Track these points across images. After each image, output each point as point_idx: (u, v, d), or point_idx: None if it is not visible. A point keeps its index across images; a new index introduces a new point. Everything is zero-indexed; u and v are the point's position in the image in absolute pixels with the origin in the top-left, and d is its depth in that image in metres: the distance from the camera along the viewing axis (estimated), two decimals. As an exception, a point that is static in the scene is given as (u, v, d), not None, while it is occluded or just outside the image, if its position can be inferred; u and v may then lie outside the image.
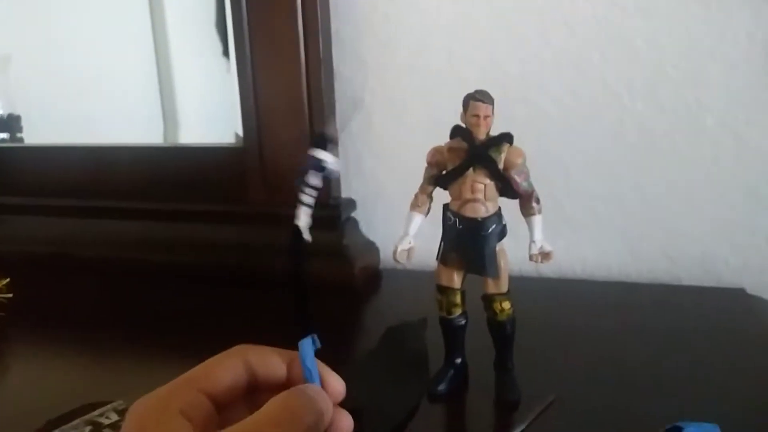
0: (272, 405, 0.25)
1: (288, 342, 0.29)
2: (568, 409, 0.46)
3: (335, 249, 0.74)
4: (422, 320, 0.58)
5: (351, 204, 0.78)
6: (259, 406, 0.25)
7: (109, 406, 0.45)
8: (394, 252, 0.47)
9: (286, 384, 0.28)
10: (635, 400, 0.47)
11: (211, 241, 0.80)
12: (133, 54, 0.93)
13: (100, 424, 0.43)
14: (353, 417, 0.41)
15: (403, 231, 0.48)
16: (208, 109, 0.92)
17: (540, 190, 0.73)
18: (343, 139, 0.80)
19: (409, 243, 0.47)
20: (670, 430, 0.39)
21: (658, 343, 0.57)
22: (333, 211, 0.75)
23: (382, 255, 0.79)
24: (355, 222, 0.78)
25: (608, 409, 0.46)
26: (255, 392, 0.28)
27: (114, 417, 0.43)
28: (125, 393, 0.46)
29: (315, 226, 0.76)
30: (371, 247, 0.78)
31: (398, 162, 0.78)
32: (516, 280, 0.73)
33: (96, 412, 0.44)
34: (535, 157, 0.72)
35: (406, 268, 0.78)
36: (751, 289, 0.68)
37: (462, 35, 0.72)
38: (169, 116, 0.94)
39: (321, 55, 0.73)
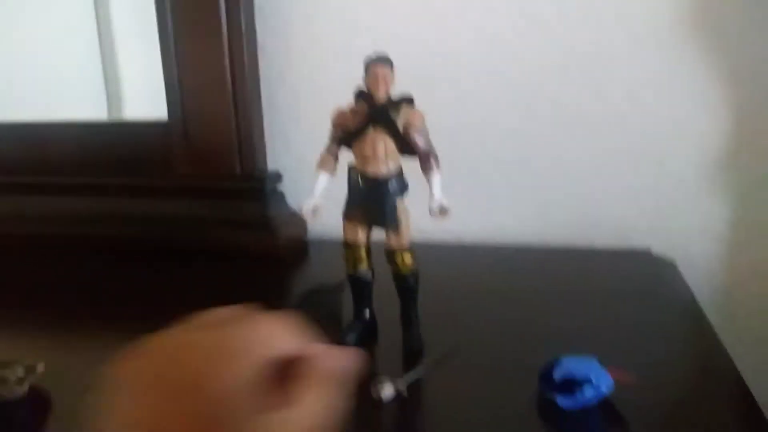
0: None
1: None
2: (468, 358, 0.49)
3: (259, 220, 0.75)
4: (339, 283, 0.60)
5: (276, 176, 0.79)
6: None
7: (18, 364, 0.45)
8: (301, 210, 0.49)
9: None
10: (535, 352, 0.50)
11: (137, 215, 0.80)
12: (75, 30, 0.91)
13: (6, 378, 0.43)
14: None
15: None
16: (153, 85, 0.91)
17: (459, 160, 0.77)
18: (270, 112, 0.80)
19: (316, 201, 0.49)
20: (551, 364, 0.42)
21: (567, 302, 0.60)
22: (257, 183, 0.76)
23: (309, 227, 0.81)
24: (280, 194, 0.79)
25: (505, 359, 0.49)
26: None
27: (21, 373, 0.44)
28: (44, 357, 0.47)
29: (239, 197, 0.78)
30: (297, 219, 0.79)
31: (324, 135, 0.79)
32: (436, 248, 0.77)
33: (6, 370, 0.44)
34: (454, 128, 0.76)
35: (333, 239, 0.81)
36: (656, 250, 0.72)
37: (385, 12, 0.74)
38: (113, 93, 0.93)
39: (243, 28, 0.73)
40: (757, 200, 0.71)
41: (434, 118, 0.74)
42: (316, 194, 0.49)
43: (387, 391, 0.43)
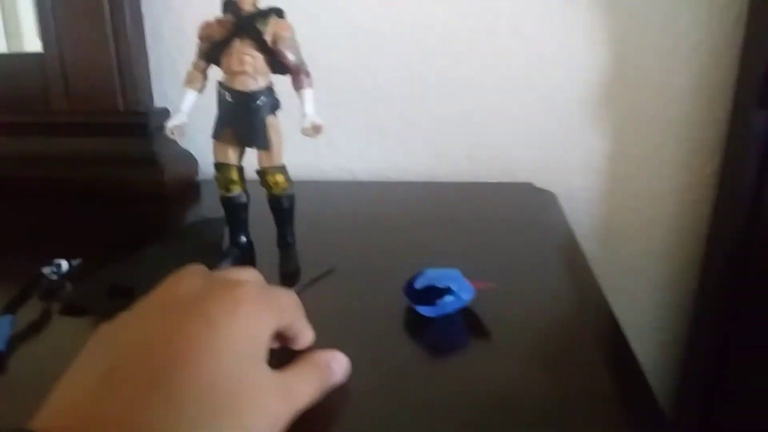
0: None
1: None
2: (345, 278, 0.49)
3: (144, 157, 0.72)
4: (221, 218, 0.58)
5: (163, 113, 0.76)
6: None
7: None
8: (165, 127, 0.47)
9: None
10: (410, 272, 0.51)
11: (14, 153, 0.75)
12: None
13: None
14: (127, 295, 0.42)
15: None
16: None
17: (351, 96, 0.76)
18: (156, 46, 0.77)
19: (182, 119, 0.47)
20: (414, 278, 0.42)
21: (448, 230, 0.61)
22: (142, 119, 0.72)
23: (201, 166, 0.78)
24: (169, 131, 0.76)
25: (380, 279, 0.49)
26: None
27: None
28: None
29: (124, 134, 0.74)
30: (186, 157, 0.77)
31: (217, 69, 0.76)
32: (330, 185, 0.77)
33: None
34: (344, 62, 0.75)
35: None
36: (538, 183, 0.75)
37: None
38: (11, 27, 0.85)
39: (120, -49, 0.69)
40: (634, 134, 0.74)
41: (330, 57, 0.74)
42: (182, 112, 0.47)
43: None
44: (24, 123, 0.76)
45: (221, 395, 0.24)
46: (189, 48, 0.75)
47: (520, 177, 0.76)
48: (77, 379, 0.25)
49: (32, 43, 0.85)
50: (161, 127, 0.75)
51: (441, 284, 0.41)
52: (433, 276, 0.42)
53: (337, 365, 0.33)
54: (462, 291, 0.42)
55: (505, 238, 0.59)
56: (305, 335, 0.35)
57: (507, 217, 0.65)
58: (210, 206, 0.73)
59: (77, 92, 0.74)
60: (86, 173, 0.73)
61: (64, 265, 0.48)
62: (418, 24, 0.72)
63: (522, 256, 0.56)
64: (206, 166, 0.77)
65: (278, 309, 0.31)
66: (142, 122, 0.73)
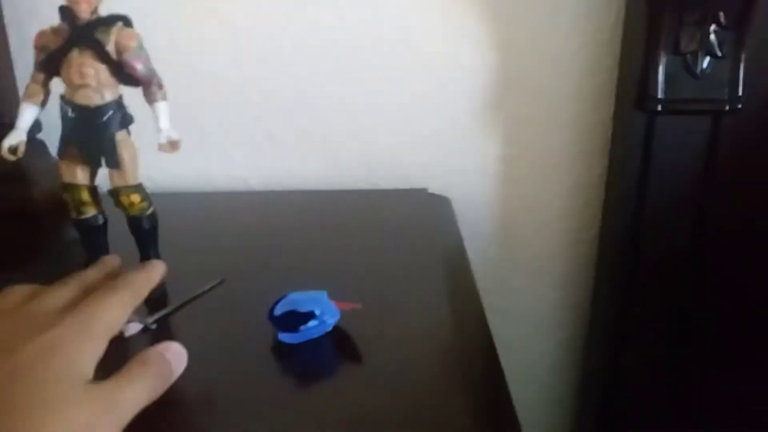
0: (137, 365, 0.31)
1: None
2: (218, 298, 0.47)
3: (12, 172, 0.66)
4: None
5: (34, 124, 0.70)
6: None
7: None
8: (1, 147, 0.43)
9: None
10: (280, 287, 0.49)
11: None
12: None
13: None
14: None
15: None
16: None
17: (238, 106, 0.73)
18: (22, 52, 0.71)
19: (20, 137, 0.43)
20: (276, 303, 0.40)
21: (334, 239, 0.60)
22: (6, 130, 0.67)
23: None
24: (41, 143, 0.71)
25: (257, 297, 0.47)
26: None
27: None
28: None
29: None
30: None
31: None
32: (223, 195, 0.74)
33: None
34: (228, 71, 0.71)
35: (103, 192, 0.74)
36: (433, 189, 0.74)
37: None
38: None
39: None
40: (525, 138, 0.74)
41: (213, 67, 0.71)
42: (20, 129, 0.43)
43: (133, 328, 0.41)
44: None
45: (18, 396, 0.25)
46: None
47: (416, 183, 0.75)
48: None
49: None
50: (31, 140, 0.70)
51: (304, 309, 0.39)
52: (295, 300, 0.40)
53: (171, 355, 0.32)
54: (326, 314, 0.40)
55: (392, 247, 0.58)
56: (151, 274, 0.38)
57: (398, 225, 0.64)
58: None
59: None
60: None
61: None
62: (303, 30, 0.70)
63: (404, 265, 0.55)
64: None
65: (105, 328, 0.31)
66: (7, 135, 0.67)
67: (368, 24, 0.70)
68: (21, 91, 0.70)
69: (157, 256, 0.47)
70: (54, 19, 0.70)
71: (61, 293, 0.33)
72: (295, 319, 0.40)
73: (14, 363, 0.26)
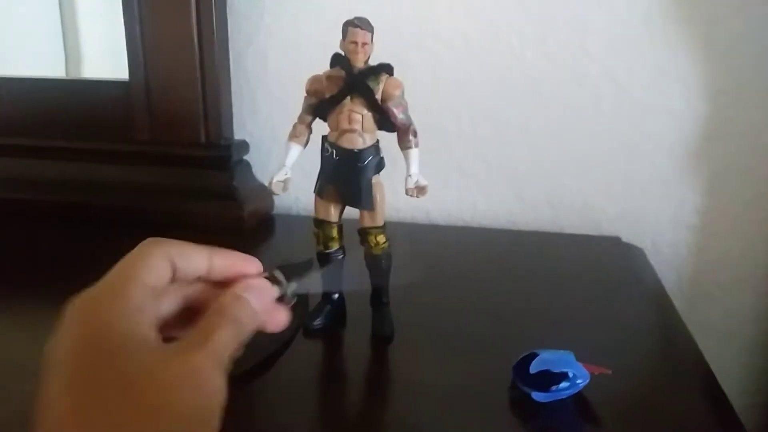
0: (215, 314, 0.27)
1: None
2: (439, 338, 0.48)
3: (224, 191, 0.72)
4: (308, 260, 0.57)
5: (243, 146, 0.76)
6: (185, 299, 0.28)
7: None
8: (270, 182, 0.46)
9: (207, 276, 0.29)
10: (506, 339, 0.49)
11: (95, 181, 0.75)
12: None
13: None
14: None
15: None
16: (113, 45, 0.85)
17: (432, 136, 0.74)
18: (237, 78, 0.76)
19: (286, 174, 0.46)
20: (526, 357, 0.41)
21: (536, 286, 0.59)
22: (223, 152, 0.72)
23: (276, 200, 0.78)
24: (247, 165, 0.76)
25: (475, 345, 0.48)
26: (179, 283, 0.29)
27: None
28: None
29: (204, 166, 0.74)
30: (263, 191, 0.76)
31: (295, 103, 0.75)
32: (407, 226, 0.75)
33: None
34: (428, 101, 0.73)
35: (301, 215, 0.78)
36: (625, 238, 0.72)
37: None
38: (72, 51, 0.87)
39: (211, -13, 0.69)
40: (727, 189, 0.70)
41: (412, 95, 0.72)
42: (286, 167, 0.46)
43: None
44: (106, 150, 0.76)
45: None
46: (270, 80, 0.76)
47: (605, 228, 0.73)
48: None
49: (93, 68, 0.87)
50: (240, 161, 0.76)
51: (557, 369, 0.39)
52: (548, 360, 0.40)
53: (249, 294, 0.28)
54: (578, 377, 0.39)
55: (598, 299, 0.57)
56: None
57: (595, 273, 0.63)
58: (285, 241, 0.73)
59: (161, 122, 0.74)
60: (165, 205, 0.73)
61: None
62: (505, 66, 0.71)
63: (619, 322, 0.53)
64: (279, 200, 0.77)
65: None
66: (223, 155, 0.72)
67: (574, 61, 0.69)
68: (234, 112, 0.76)
69: (387, 293, 0.49)
70: (268, 49, 0.75)
71: None
72: (548, 378, 0.40)
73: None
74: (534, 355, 0.40)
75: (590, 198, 0.73)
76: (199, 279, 0.29)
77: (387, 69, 0.44)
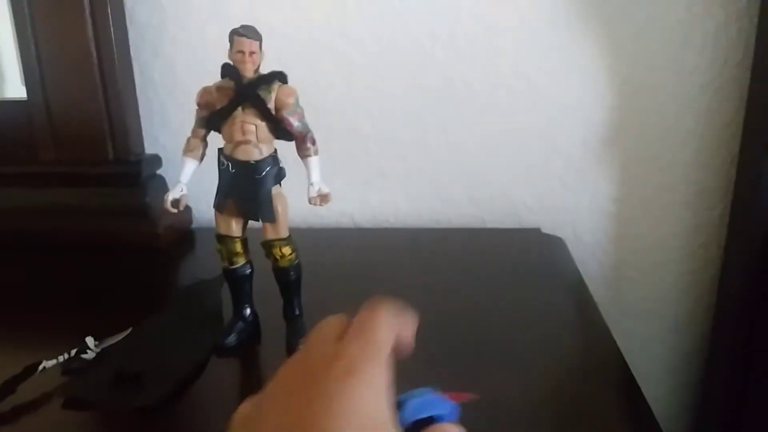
0: None
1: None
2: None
3: (136, 208, 0.69)
4: (218, 277, 0.55)
5: (155, 160, 0.73)
6: None
7: None
8: (165, 200, 0.44)
9: None
10: (422, 331, 0.48)
11: (4, 205, 0.71)
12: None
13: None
14: (135, 382, 0.39)
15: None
16: None
17: (350, 140, 0.74)
18: (145, 90, 0.74)
19: (182, 191, 0.44)
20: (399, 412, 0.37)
21: (458, 282, 0.59)
22: (133, 168, 0.70)
23: (195, 214, 0.75)
24: (160, 179, 0.73)
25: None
26: None
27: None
28: None
29: (115, 184, 0.71)
30: (180, 206, 0.73)
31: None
32: (331, 231, 0.74)
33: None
34: (343, 105, 0.72)
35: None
36: (546, 229, 0.73)
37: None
38: None
39: (108, -4, 0.66)
40: (641, 177, 0.72)
41: (326, 100, 0.72)
42: (181, 183, 0.44)
43: None
44: (8, 174, 0.72)
45: None
46: (179, 91, 0.74)
47: (526, 221, 0.74)
48: None
49: (17, 89, 0.82)
50: (153, 176, 0.73)
51: (424, 414, 0.36)
52: (415, 406, 0.36)
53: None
54: (446, 416, 0.36)
55: (517, 289, 0.57)
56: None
57: (516, 265, 0.63)
58: (205, 257, 0.70)
59: (65, 141, 0.71)
60: (75, 225, 0.70)
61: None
62: (418, 65, 0.70)
63: (537, 311, 0.54)
64: (199, 213, 0.75)
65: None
66: (133, 172, 0.70)
67: (482, 58, 0.70)
68: (144, 125, 0.73)
69: (300, 305, 0.48)
70: (175, 59, 0.73)
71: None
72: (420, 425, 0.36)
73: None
74: (402, 406, 0.37)
75: (510, 192, 0.74)
76: None
77: (280, 77, 0.43)
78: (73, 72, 0.68)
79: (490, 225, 0.74)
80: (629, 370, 0.46)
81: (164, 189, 0.74)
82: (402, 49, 0.70)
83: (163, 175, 0.74)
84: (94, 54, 0.67)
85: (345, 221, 0.76)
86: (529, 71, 0.70)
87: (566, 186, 0.73)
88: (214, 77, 0.44)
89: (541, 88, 0.70)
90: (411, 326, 0.30)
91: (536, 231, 0.72)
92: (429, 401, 0.35)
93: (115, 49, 0.67)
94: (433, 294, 0.56)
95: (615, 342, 0.50)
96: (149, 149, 0.74)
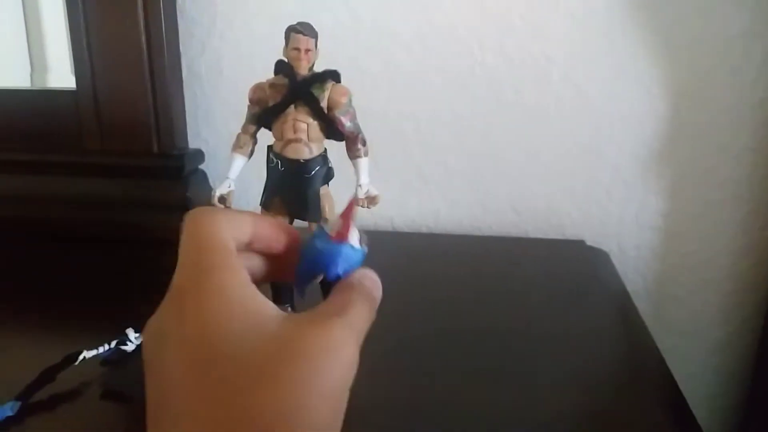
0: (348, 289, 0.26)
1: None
2: (399, 346, 0.46)
3: (178, 202, 0.69)
4: None
5: (198, 155, 0.73)
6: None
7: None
8: (212, 196, 0.44)
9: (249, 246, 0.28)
10: (462, 343, 0.47)
11: (45, 193, 0.72)
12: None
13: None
14: None
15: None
16: None
17: (392, 143, 0.73)
18: (191, 85, 0.74)
19: (229, 187, 0.44)
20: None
21: (500, 291, 0.58)
22: (176, 161, 0.70)
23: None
24: (202, 174, 0.73)
25: (425, 351, 0.46)
26: None
27: None
28: None
29: (157, 176, 0.72)
30: (221, 201, 0.73)
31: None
32: (370, 234, 0.74)
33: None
34: (386, 108, 0.71)
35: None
36: (590, 241, 0.71)
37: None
38: (37, 61, 0.84)
39: (160, -9, 0.67)
40: (691, 192, 0.70)
41: (370, 101, 0.71)
42: (230, 179, 0.44)
43: None
44: (55, 162, 0.73)
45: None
46: (224, 87, 0.74)
47: (570, 232, 0.72)
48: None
49: (61, 78, 0.84)
50: (195, 170, 0.73)
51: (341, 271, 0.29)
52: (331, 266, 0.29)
53: (369, 282, 0.28)
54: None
55: (560, 302, 0.56)
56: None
57: (559, 277, 0.62)
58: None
59: (111, 132, 0.71)
60: (117, 216, 0.70)
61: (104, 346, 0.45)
62: (465, 70, 0.69)
63: (581, 325, 0.52)
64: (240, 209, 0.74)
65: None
66: (176, 165, 0.70)
67: (531, 65, 0.68)
68: (188, 120, 0.74)
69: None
70: (222, 55, 0.73)
71: None
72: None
73: None
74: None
75: (554, 202, 0.72)
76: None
77: (333, 76, 0.43)
78: (122, 64, 0.69)
79: (532, 235, 0.73)
80: (681, 393, 0.44)
81: (206, 184, 0.74)
82: (450, 53, 0.69)
83: (206, 170, 0.74)
84: (144, 47, 0.68)
85: (384, 224, 0.76)
86: (578, 79, 0.68)
87: (612, 198, 0.71)
88: (260, 75, 0.44)
89: (590, 97, 0.69)
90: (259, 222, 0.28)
91: (580, 243, 0.70)
92: (335, 252, 0.28)
93: (165, 43, 0.68)
94: (472, 304, 0.55)
95: (664, 361, 0.48)
96: (192, 144, 0.74)
